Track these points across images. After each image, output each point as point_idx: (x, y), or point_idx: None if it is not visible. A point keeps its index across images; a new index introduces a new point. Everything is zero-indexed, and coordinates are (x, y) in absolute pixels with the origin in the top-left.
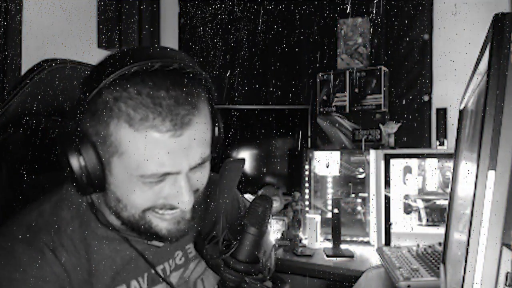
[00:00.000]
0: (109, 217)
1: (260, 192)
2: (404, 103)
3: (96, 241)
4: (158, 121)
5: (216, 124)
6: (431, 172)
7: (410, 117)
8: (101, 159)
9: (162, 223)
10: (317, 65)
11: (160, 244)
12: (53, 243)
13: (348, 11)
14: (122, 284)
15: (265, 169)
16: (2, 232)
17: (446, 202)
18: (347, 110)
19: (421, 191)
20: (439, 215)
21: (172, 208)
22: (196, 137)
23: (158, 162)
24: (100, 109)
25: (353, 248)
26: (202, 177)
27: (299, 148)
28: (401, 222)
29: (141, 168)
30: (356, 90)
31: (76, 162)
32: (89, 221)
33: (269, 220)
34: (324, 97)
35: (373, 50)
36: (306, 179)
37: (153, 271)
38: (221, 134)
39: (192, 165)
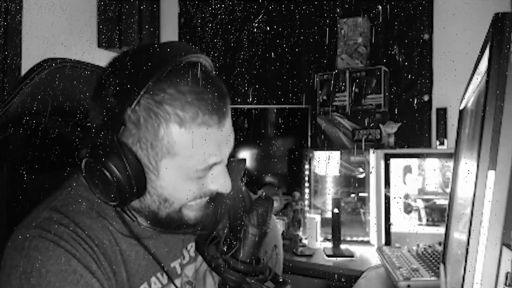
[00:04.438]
0: (137, 215)
1: (260, 192)
2: (404, 103)
3: (120, 238)
4: (207, 117)
5: None
6: (431, 172)
7: (410, 117)
8: (143, 166)
9: (191, 213)
10: (317, 65)
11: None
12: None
13: (348, 11)
14: (144, 282)
15: (265, 169)
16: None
17: (446, 202)
18: (347, 110)
19: (421, 191)
20: (439, 215)
21: (207, 196)
22: (230, 124)
23: (209, 154)
24: (142, 116)
25: (353, 248)
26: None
27: (293, 147)
28: (401, 222)
29: (194, 164)
30: (356, 90)
31: (119, 174)
32: (108, 219)
33: (270, 221)
34: (324, 97)
35: (373, 50)
36: (306, 179)
37: (172, 265)
38: None
39: (230, 152)
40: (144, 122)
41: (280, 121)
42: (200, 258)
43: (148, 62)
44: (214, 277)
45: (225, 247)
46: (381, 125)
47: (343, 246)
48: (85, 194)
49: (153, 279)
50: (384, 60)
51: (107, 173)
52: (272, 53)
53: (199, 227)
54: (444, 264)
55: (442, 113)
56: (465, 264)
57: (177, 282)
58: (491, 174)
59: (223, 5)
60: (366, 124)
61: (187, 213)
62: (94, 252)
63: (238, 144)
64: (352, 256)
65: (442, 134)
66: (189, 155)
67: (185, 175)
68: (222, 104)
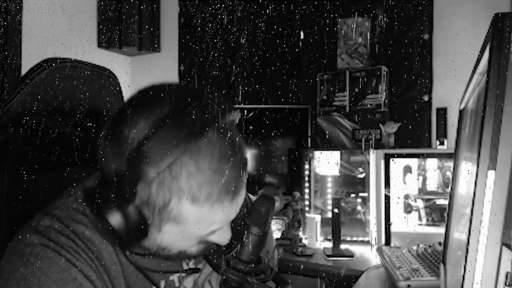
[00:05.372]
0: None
1: (260, 192)
2: (404, 103)
3: (120, 250)
4: (222, 195)
5: None
6: (431, 172)
7: (410, 117)
8: (146, 222)
9: (193, 248)
10: (317, 65)
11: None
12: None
13: (348, 11)
14: None
15: (265, 169)
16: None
17: (446, 202)
18: (347, 110)
19: (421, 191)
20: (439, 215)
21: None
22: (244, 191)
23: (215, 223)
24: (155, 185)
25: (353, 248)
26: None
27: (293, 147)
28: (401, 222)
29: (198, 230)
30: (356, 90)
31: (119, 228)
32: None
33: (271, 220)
34: (324, 97)
35: (373, 50)
36: (306, 179)
37: (170, 278)
38: None
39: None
40: (156, 192)
41: (280, 121)
42: (199, 267)
43: (174, 134)
44: (213, 287)
45: (226, 246)
46: (381, 125)
47: (343, 246)
48: (85, 210)
49: None
50: (384, 60)
51: (106, 226)
52: (272, 53)
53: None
54: (444, 264)
55: (442, 113)
56: (465, 264)
57: None
58: (491, 174)
59: (223, 5)
60: (366, 124)
61: (189, 250)
62: (93, 263)
63: None
64: (352, 256)
65: (442, 134)
66: (194, 224)
67: (187, 236)
68: (240, 178)
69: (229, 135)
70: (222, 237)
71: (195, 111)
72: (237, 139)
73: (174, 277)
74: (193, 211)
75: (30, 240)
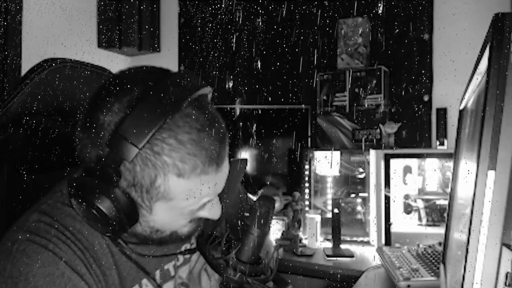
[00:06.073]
0: (127, 236)
1: (260, 192)
2: (404, 103)
3: (111, 241)
4: (206, 165)
5: None
6: (431, 172)
7: (410, 117)
8: (135, 205)
9: (183, 228)
10: (317, 65)
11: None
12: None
13: (348, 11)
14: (135, 284)
15: (265, 169)
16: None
17: (446, 202)
18: (347, 110)
19: (421, 191)
20: (439, 215)
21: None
22: (227, 161)
23: (204, 195)
24: (139, 165)
25: (353, 248)
26: None
27: (293, 147)
28: (401, 222)
29: (188, 204)
30: (356, 90)
31: (109, 215)
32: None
33: (271, 221)
34: (324, 97)
35: (373, 50)
36: (306, 179)
37: (165, 268)
38: None
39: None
40: (141, 171)
41: (280, 121)
42: (194, 258)
43: (149, 111)
44: (209, 275)
45: (226, 247)
46: (381, 125)
47: (343, 246)
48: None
49: (144, 281)
50: (384, 60)
51: (97, 214)
52: (272, 53)
53: (191, 238)
54: (444, 264)
55: (442, 113)
56: (465, 264)
57: (171, 283)
58: (491, 174)
59: (223, 5)
60: (366, 124)
61: (180, 230)
62: (83, 255)
63: (238, 144)
64: (352, 256)
65: (442, 134)
66: (184, 198)
67: (178, 212)
68: (223, 146)
69: (203, 107)
70: (213, 211)
71: (166, 86)
72: (212, 111)
73: (169, 266)
74: (181, 185)
75: (17, 237)
